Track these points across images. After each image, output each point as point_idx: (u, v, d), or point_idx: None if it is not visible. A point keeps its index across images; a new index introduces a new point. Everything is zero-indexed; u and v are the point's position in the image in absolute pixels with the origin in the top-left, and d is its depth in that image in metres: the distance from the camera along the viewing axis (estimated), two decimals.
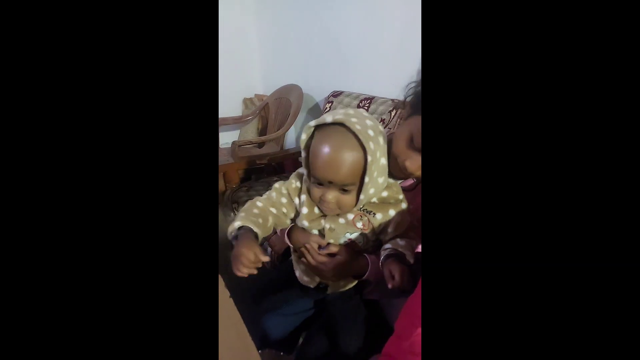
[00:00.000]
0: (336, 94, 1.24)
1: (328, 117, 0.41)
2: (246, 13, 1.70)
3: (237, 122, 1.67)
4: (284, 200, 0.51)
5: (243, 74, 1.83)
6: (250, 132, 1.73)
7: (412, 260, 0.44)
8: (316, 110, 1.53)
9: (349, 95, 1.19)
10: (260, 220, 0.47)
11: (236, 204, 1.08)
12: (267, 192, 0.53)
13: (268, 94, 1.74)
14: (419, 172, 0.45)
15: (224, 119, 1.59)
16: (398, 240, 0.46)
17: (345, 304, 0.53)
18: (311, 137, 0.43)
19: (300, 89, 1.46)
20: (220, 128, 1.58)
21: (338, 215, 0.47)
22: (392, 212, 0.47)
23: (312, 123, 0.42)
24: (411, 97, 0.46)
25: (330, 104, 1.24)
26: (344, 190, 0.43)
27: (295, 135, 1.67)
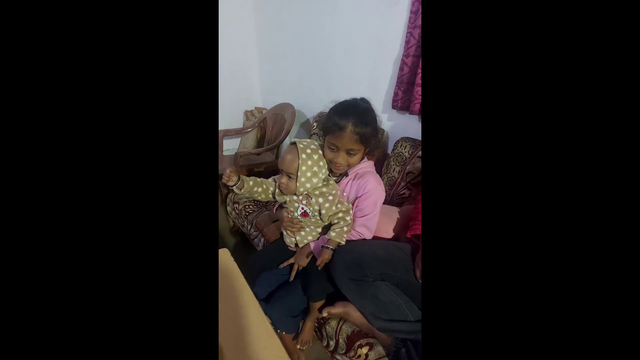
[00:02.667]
0: (322, 114, 1.49)
1: (293, 140, 0.82)
2: (249, 36, 1.95)
3: (238, 133, 1.91)
4: (271, 184, 0.90)
5: (245, 89, 2.07)
6: (250, 140, 1.97)
7: (338, 243, 0.80)
8: (307, 125, 1.77)
9: None
10: (258, 180, 0.88)
11: (237, 203, 1.32)
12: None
13: (267, 107, 1.99)
14: (340, 171, 0.82)
15: (228, 130, 1.83)
16: (330, 231, 0.81)
17: (313, 264, 0.82)
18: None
19: (293, 107, 1.70)
20: (224, 138, 1.83)
21: (292, 195, 0.85)
22: (321, 200, 0.80)
23: (288, 141, 0.86)
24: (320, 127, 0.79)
25: (316, 122, 1.48)
26: (288, 177, 0.80)
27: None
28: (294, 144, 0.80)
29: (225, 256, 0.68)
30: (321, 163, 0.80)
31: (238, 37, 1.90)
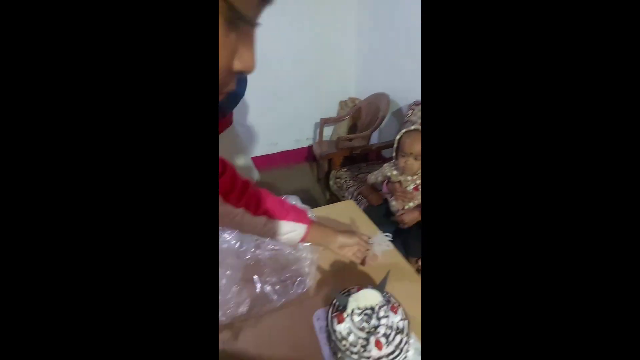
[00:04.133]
0: (417, 103, 1.62)
1: (412, 126, 1.03)
2: (347, 30, 2.18)
3: (336, 121, 2.20)
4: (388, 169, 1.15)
5: (340, 81, 2.33)
6: (343, 128, 2.24)
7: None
8: (399, 115, 1.93)
9: None
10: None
11: (339, 179, 1.61)
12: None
13: (360, 97, 2.21)
14: None
15: (327, 118, 2.14)
16: None
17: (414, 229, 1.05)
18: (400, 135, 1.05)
19: (389, 97, 1.88)
20: (324, 125, 2.14)
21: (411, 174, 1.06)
22: None
23: (404, 130, 1.05)
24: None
25: (411, 111, 1.63)
26: (415, 158, 0.99)
27: (377, 134, 2.10)
28: (417, 130, 1.01)
29: (351, 204, 0.95)
30: None
31: (337, 33, 2.14)
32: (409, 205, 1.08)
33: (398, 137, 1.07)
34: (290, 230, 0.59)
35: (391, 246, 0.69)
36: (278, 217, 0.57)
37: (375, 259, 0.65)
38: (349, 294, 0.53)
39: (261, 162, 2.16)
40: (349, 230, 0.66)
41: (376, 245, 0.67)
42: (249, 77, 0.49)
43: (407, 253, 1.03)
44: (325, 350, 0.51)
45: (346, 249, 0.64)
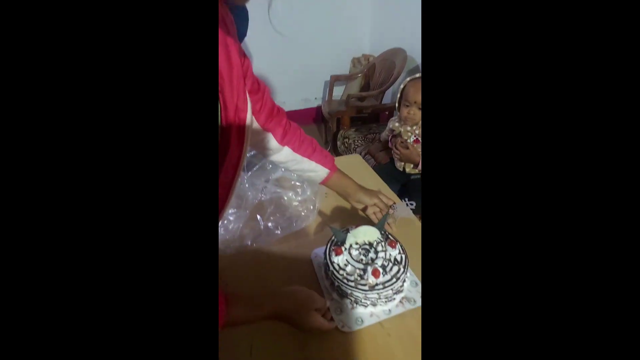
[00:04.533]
0: None
1: (417, 74, 1.00)
2: None
3: (348, 79, 2.08)
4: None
5: (354, 36, 2.16)
6: (355, 87, 2.12)
7: None
8: (416, 72, 1.79)
9: None
10: None
11: (347, 139, 1.55)
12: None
13: (374, 54, 2.06)
14: None
15: (338, 76, 2.02)
16: None
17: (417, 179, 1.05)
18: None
19: (405, 52, 1.73)
20: (334, 84, 2.03)
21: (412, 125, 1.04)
22: None
23: (408, 78, 1.01)
24: None
25: None
26: (419, 108, 0.96)
27: (391, 94, 1.98)
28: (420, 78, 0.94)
29: (357, 158, 0.91)
30: None
31: None
32: (410, 168, 1.06)
33: (402, 86, 1.02)
34: (311, 170, 0.60)
35: (412, 215, 0.66)
36: (302, 154, 0.58)
37: (394, 223, 0.63)
38: (347, 230, 0.53)
39: None
40: (372, 190, 0.64)
41: (398, 211, 0.64)
42: (256, 33, 0.44)
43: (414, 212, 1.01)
44: (323, 284, 0.51)
45: (367, 208, 0.63)
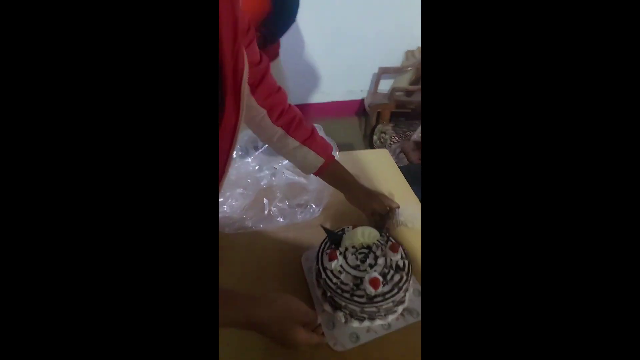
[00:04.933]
0: None
1: None
2: None
3: (397, 72, 1.96)
4: None
5: (408, 28, 2.01)
6: (404, 81, 1.99)
7: None
8: None
9: None
10: None
11: (384, 134, 1.46)
12: None
13: None
14: None
15: (387, 68, 1.91)
16: None
17: None
18: None
19: None
20: (382, 76, 1.93)
21: None
22: None
23: None
24: None
25: None
26: None
27: None
28: None
29: (384, 154, 0.85)
30: None
31: None
32: None
33: None
34: (303, 156, 0.54)
35: (416, 225, 0.58)
36: (295, 138, 0.53)
37: (394, 227, 0.57)
38: (342, 231, 0.48)
39: (307, 110, 2.09)
40: (375, 191, 0.57)
41: (402, 217, 0.57)
42: (306, 16, 0.41)
43: None
44: (314, 293, 0.47)
45: (364, 208, 0.56)
